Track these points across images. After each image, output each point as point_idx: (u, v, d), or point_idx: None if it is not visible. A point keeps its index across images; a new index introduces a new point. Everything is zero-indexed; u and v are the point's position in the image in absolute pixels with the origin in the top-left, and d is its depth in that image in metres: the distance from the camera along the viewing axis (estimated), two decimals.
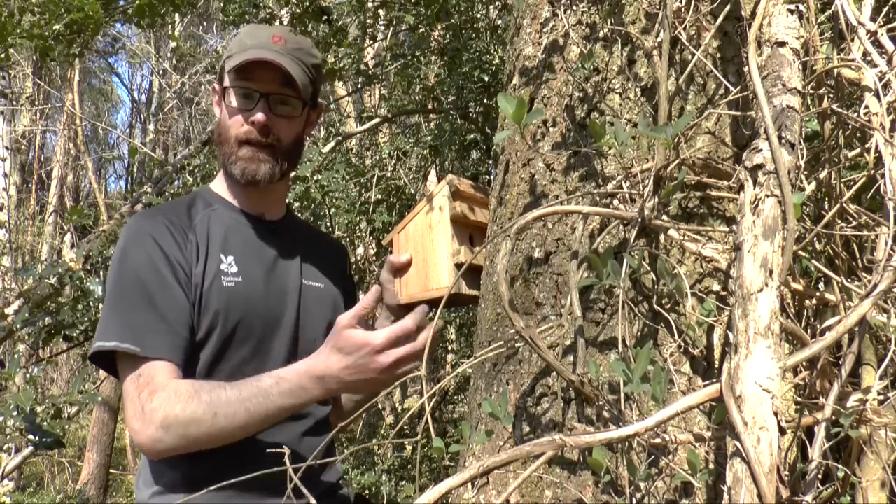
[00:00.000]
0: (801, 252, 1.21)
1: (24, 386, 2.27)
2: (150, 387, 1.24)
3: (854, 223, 1.25)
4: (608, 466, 1.09)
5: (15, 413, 2.10)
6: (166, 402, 1.22)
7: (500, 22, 4.52)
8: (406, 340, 1.22)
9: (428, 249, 1.52)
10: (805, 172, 1.28)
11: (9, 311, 3.58)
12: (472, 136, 4.49)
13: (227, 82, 1.43)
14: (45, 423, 2.14)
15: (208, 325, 1.34)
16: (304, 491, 0.95)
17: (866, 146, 1.20)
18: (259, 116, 1.39)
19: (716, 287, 1.20)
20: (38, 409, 2.18)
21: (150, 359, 1.27)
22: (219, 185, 1.51)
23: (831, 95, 1.27)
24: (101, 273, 3.23)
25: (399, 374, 1.23)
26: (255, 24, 1.55)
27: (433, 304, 1.56)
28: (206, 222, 1.41)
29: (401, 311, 1.57)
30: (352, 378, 1.22)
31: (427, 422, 1.10)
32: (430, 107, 4.74)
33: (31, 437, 2.12)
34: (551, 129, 1.33)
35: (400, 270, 1.56)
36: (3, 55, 3.61)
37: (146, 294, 1.30)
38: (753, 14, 1.18)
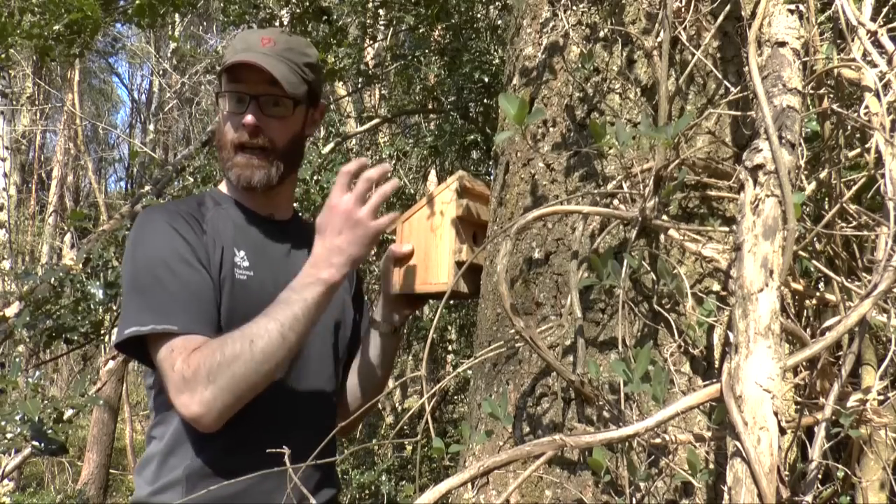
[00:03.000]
0: (801, 252, 1.21)
1: (28, 393, 2.26)
2: (183, 355, 1.25)
3: (854, 223, 1.25)
4: (608, 466, 1.08)
5: (19, 419, 2.10)
6: (203, 358, 1.23)
7: (500, 22, 4.52)
8: (363, 182, 1.34)
9: (430, 243, 1.52)
10: (805, 172, 1.28)
11: (9, 312, 3.58)
12: (472, 136, 4.49)
13: (221, 87, 1.44)
14: (48, 429, 2.14)
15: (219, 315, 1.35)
16: (305, 491, 0.95)
17: (866, 146, 1.20)
18: (248, 119, 1.39)
19: (716, 287, 1.20)
20: (39, 410, 2.18)
21: (184, 333, 1.27)
22: (227, 186, 1.52)
23: (831, 95, 1.27)
24: (102, 275, 3.22)
25: (376, 214, 1.33)
26: (250, 30, 1.56)
27: (431, 298, 1.56)
28: (217, 219, 1.42)
29: (398, 300, 1.57)
30: (347, 241, 1.30)
31: (427, 422, 1.10)
32: (430, 107, 4.74)
33: (35, 443, 2.12)
34: (551, 130, 1.33)
35: (400, 260, 1.55)
36: (3, 55, 3.61)
37: (174, 275, 1.30)
38: (753, 14, 1.18)
